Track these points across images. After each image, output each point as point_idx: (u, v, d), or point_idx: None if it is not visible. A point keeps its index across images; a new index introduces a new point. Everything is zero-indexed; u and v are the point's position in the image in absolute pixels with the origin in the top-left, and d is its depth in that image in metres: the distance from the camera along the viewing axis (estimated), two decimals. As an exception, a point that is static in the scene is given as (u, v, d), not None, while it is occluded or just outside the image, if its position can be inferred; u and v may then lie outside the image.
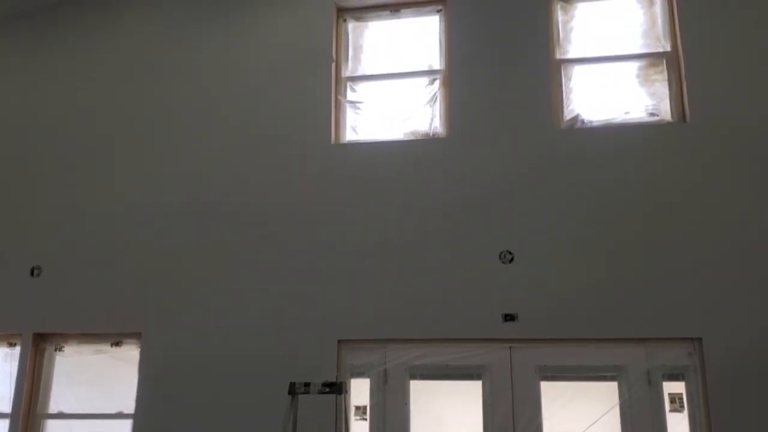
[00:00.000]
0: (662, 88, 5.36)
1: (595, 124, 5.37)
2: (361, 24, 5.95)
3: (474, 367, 5.07)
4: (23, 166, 6.07)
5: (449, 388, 5.22)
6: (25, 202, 5.98)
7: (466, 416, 5.05)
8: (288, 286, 5.37)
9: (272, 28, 5.93)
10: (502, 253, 5.16)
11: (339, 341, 5.20)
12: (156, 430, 5.27)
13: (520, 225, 5.19)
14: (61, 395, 5.68)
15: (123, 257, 5.68)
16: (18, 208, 5.98)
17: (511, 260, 5.14)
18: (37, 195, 5.97)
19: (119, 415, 5.49)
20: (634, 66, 5.46)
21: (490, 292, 5.10)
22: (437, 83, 5.68)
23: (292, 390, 4.35)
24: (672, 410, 4.77)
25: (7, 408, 5.55)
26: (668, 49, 5.40)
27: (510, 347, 5.04)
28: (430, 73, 5.73)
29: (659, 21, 5.49)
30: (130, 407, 5.41)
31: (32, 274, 5.77)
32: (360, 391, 5.19)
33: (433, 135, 5.57)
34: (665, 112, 5.31)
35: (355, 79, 5.84)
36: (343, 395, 4.34)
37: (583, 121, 5.38)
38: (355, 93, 5.83)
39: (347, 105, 5.79)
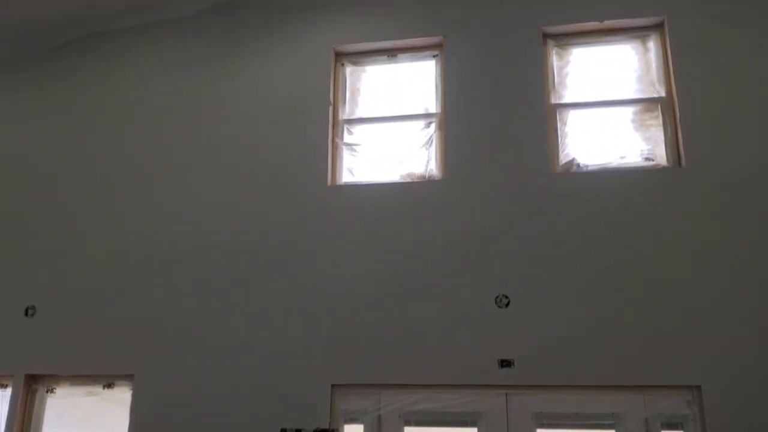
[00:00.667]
0: (657, 133, 5.38)
1: (590, 168, 5.37)
2: (359, 68, 6.03)
3: (469, 413, 4.99)
4: (18, 206, 6.11)
5: (444, 434, 5.13)
6: (20, 242, 5.99)
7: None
8: (282, 330, 5.33)
9: (271, 71, 6.01)
10: (498, 297, 5.12)
11: (333, 386, 5.14)
12: (146, 476, 5.18)
13: (516, 269, 5.16)
14: (51, 438, 5.61)
15: (116, 299, 5.66)
16: (12, 248, 5.99)
17: (507, 304, 5.10)
18: (31, 236, 5.99)
19: (109, 460, 5.41)
20: (629, 111, 5.49)
21: (485, 337, 5.04)
22: (433, 126, 5.71)
23: (283, 437, 4.28)
24: (670, 461, 4.67)
25: (-4, 451, 5.49)
26: (663, 94, 5.43)
27: (506, 393, 4.97)
28: (427, 116, 5.76)
29: (654, 66, 5.54)
30: (120, 451, 5.34)
31: (26, 314, 5.75)
32: (354, 438, 5.11)
33: (429, 177, 5.58)
34: (661, 157, 5.32)
35: (352, 121, 5.89)
36: (334, 442, 4.27)
37: (578, 165, 5.38)
38: (352, 135, 5.87)
39: (344, 147, 5.82)
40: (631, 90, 5.54)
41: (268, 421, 5.04)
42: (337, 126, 5.86)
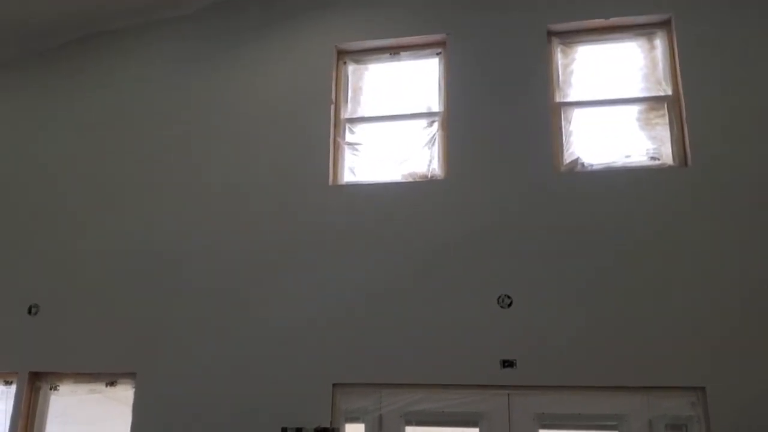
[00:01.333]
0: (663, 132, 5.32)
1: (595, 167, 5.32)
2: (361, 66, 5.99)
3: (471, 414, 4.96)
4: (21, 206, 6.13)
5: (446, 435, 5.10)
6: (23, 241, 6.01)
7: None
8: (283, 329, 5.32)
9: (272, 69, 5.99)
10: (500, 297, 5.09)
11: (334, 385, 5.13)
12: (147, 474, 5.20)
13: (519, 269, 5.12)
14: (54, 436, 5.63)
15: (119, 297, 5.67)
16: (16, 247, 6.01)
17: (510, 304, 5.06)
18: (34, 235, 6.01)
19: (112, 457, 5.42)
20: (634, 109, 5.43)
21: (487, 337, 5.01)
22: (436, 125, 5.67)
23: (283, 436, 4.27)
24: (674, 463, 4.62)
25: (0, 448, 5.52)
26: (669, 92, 5.36)
27: (508, 394, 4.93)
28: (429, 115, 5.73)
29: (660, 65, 5.47)
30: (123, 449, 5.35)
31: (30, 312, 5.77)
32: (355, 438, 5.10)
33: (431, 177, 5.55)
34: (666, 156, 5.26)
35: (354, 120, 5.86)
36: (334, 442, 4.26)
37: (583, 165, 5.33)
38: (353, 135, 5.84)
39: (345, 146, 5.80)
40: (637, 88, 5.47)
41: (270, 419, 5.03)
42: (339, 125, 5.84)
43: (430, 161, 5.60)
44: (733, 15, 5.33)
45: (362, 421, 5.09)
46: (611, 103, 5.47)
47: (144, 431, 5.31)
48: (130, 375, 5.53)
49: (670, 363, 4.74)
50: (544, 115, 5.42)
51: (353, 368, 5.14)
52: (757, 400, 4.56)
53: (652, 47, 5.55)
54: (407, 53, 5.93)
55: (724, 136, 5.10)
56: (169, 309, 5.56)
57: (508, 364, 4.93)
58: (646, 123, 5.39)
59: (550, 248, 5.12)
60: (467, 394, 4.98)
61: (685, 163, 5.15)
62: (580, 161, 5.34)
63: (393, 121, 5.80)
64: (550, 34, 5.64)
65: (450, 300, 5.14)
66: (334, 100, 5.84)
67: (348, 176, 5.74)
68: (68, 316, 5.70)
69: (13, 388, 5.67)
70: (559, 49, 5.65)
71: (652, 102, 5.41)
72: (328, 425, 4.69)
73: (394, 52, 5.94)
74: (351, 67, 5.98)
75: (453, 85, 5.64)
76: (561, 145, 5.41)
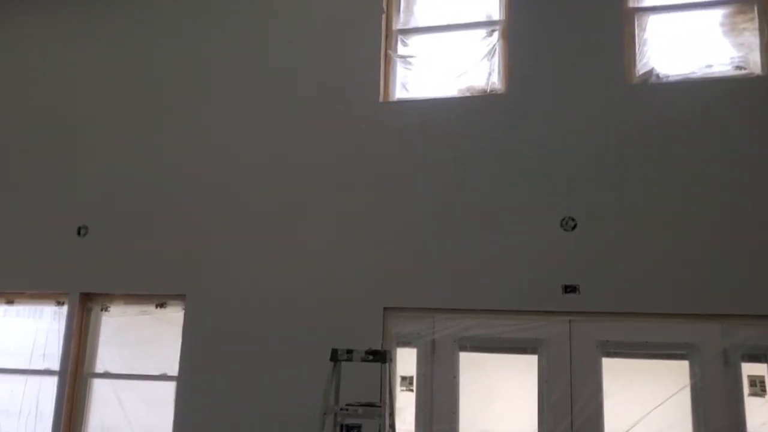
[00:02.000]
0: (751, 38, 4.80)
1: (671, 79, 4.87)
2: (415, -28, 5.57)
3: (530, 340, 4.73)
4: (71, 128, 5.99)
5: (502, 361, 4.88)
6: (73, 162, 5.90)
7: (520, 392, 4.72)
8: (333, 250, 5.13)
9: (320, -23, 5.61)
10: (564, 219, 4.77)
11: (385, 309, 4.94)
12: (199, 393, 5.17)
13: (584, 189, 4.77)
14: (107, 355, 5.64)
15: (168, 218, 5.55)
16: (66, 168, 5.91)
17: (574, 227, 4.74)
18: (84, 156, 5.89)
19: (163, 377, 5.41)
20: (718, 14, 4.91)
21: (549, 261, 4.72)
22: (496, 35, 5.26)
23: (334, 357, 4.11)
24: (752, 394, 4.31)
25: (56, 366, 5.55)
26: (759, -7, 4.81)
27: (570, 320, 4.67)
28: (489, 24, 5.31)
29: (749, -38, 4.89)
30: (174, 369, 5.32)
31: (79, 233, 5.71)
32: (407, 362, 4.94)
33: (491, 91, 5.19)
34: (754, 65, 4.75)
35: (406, 32, 5.48)
36: (387, 364, 4.07)
37: (658, 76, 4.88)
38: (406, 47, 5.47)
39: (398, 60, 5.44)
40: (721, -10, 4.93)
41: (319, 342, 4.89)
42: (391, 37, 5.46)
43: (490, 74, 5.22)
44: None
45: (414, 346, 4.93)
46: (692, 7, 4.95)
47: (194, 352, 5.26)
48: (179, 297, 5.46)
49: (747, 289, 4.38)
50: (616, 22, 4.94)
51: (405, 293, 4.94)
52: None
53: (741, -57, 4.96)
54: (465, -43, 5.46)
55: (821, 42, 4.56)
56: (219, 231, 5.41)
57: (570, 289, 4.65)
58: (731, 28, 4.86)
59: (618, 167, 4.74)
60: (526, 320, 4.73)
61: (776, 73, 4.65)
62: (655, 72, 4.88)
63: (449, 32, 5.40)
64: (624, -69, 5.10)
65: (510, 223, 4.85)
66: (385, 9, 5.45)
67: (400, 92, 5.40)
68: (117, 238, 5.62)
69: (65, 308, 5.67)
70: (633, -51, 5.11)
71: (738, 5, 4.86)
72: (379, 348, 4.52)
73: (450, -45, 5.48)
74: (404, -26, 5.57)
75: (515, -9, 5.19)
76: (634, 54, 4.94)
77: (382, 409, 3.90)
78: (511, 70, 5.10)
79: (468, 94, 5.23)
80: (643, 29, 4.98)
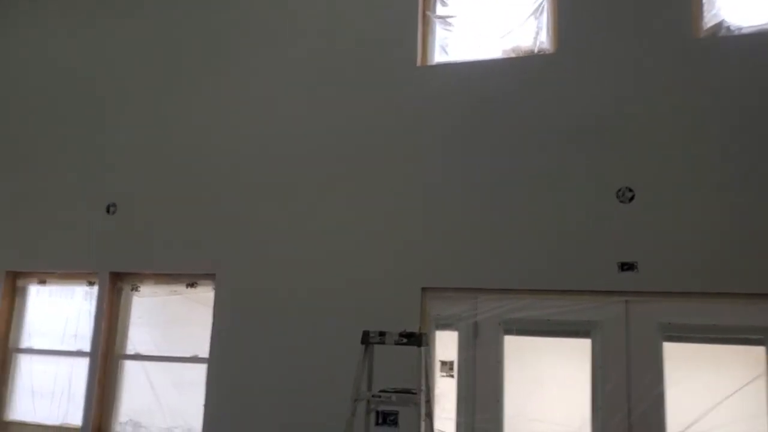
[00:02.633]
0: (836, -18, 4.22)
1: (744, 31, 4.36)
2: (455, -76, 5.14)
3: (582, 323, 4.32)
4: (99, 104, 5.80)
5: (551, 346, 4.48)
6: (101, 140, 5.72)
7: (570, 380, 4.33)
8: (368, 226, 4.80)
9: (352, -68, 5.24)
10: (620, 190, 4.33)
11: (423, 289, 4.61)
12: (229, 376, 4.95)
13: (643, 157, 4.32)
14: (137, 336, 5.48)
15: (197, 197, 5.31)
16: (92, 146, 5.73)
17: (631, 199, 4.30)
18: (111, 133, 5.69)
19: (195, 359, 5.21)
20: (798, -44, 4.34)
21: (603, 236, 4.30)
22: (544, -10, 4.82)
23: (366, 339, 3.80)
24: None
25: (87, 347, 5.41)
26: None
27: (626, 301, 4.24)
28: (536, -23, 4.86)
29: None
30: (205, 351, 5.10)
31: (108, 211, 5.54)
32: (447, 346, 4.60)
33: (539, 52, 4.77)
34: (840, 12, 4.19)
35: (446, -10, 5.08)
36: (423, 348, 3.74)
37: (728, 28, 4.39)
38: (445, 7, 5.09)
39: (436, 21, 5.05)
40: (803, -72, 4.36)
41: (353, 324, 4.57)
42: (430, -5, 5.09)
43: (537, 33, 4.80)
44: None
45: (455, 329, 4.58)
46: (768, -50, 4.39)
47: (224, 333, 5.04)
48: (210, 276, 5.24)
49: (834, 268, 3.87)
50: (680, -31, 4.44)
51: (445, 271, 4.58)
52: None
53: None
54: None
55: None
56: (249, 209, 5.15)
57: (627, 266, 4.22)
58: (814, -28, 4.30)
59: (681, 132, 4.26)
60: (578, 300, 4.32)
61: None
62: (725, 24, 4.39)
63: (492, -12, 4.98)
64: None
65: (560, 194, 4.43)
66: (422, -34, 5.07)
67: (439, 55, 5.01)
68: (146, 216, 5.42)
69: (96, 288, 5.52)
70: None
71: (823, -55, 4.29)
72: (416, 331, 4.18)
73: None
74: (443, -74, 5.15)
75: (565, -60, 4.72)
76: (700, 4, 4.43)
77: (417, 396, 3.57)
78: (560, 27, 4.65)
79: (513, 56, 4.81)
80: (711, -23, 4.46)
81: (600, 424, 4.14)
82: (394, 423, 4.39)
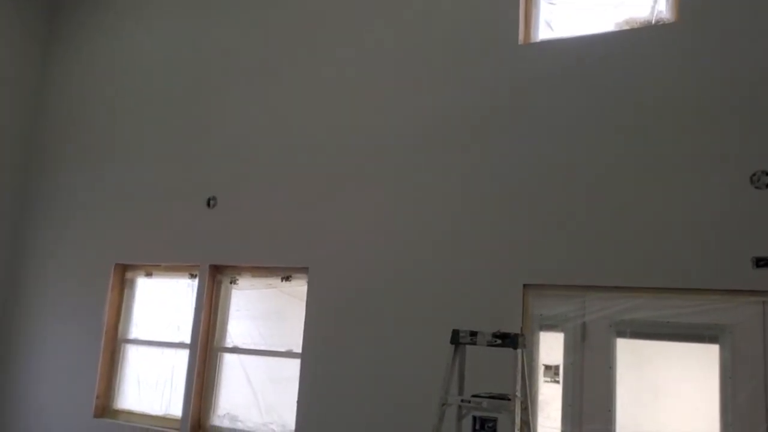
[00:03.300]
0: None
1: None
2: None
3: (709, 326, 3.79)
4: (199, 99, 5.86)
5: (671, 351, 3.95)
6: (198, 135, 5.77)
7: (695, 390, 3.79)
8: (464, 216, 4.49)
9: None
10: (754, 174, 3.78)
11: (525, 286, 4.23)
12: (320, 371, 4.80)
13: (782, 135, 3.72)
14: (236, 329, 5.47)
15: (293, 190, 5.21)
16: (192, 140, 5.79)
17: (768, 185, 3.71)
18: (211, 127, 5.73)
19: (289, 354, 5.12)
20: None
21: (735, 227, 3.76)
22: (662, -49, 4.29)
23: (455, 339, 3.49)
24: None
25: (188, 339, 5.48)
26: None
27: (763, 302, 3.68)
28: (653, -62, 4.35)
29: None
30: (299, 346, 5.00)
31: (208, 204, 5.57)
32: (552, 348, 4.19)
33: (657, 22, 4.25)
34: None
35: (551, -40, 4.67)
36: (520, 350, 3.38)
37: None
38: (551, -22, 4.67)
39: (541, -6, 4.66)
40: None
41: (447, 321, 4.29)
42: (532, -31, 4.70)
43: (655, 1, 4.29)
44: None
45: (561, 330, 4.17)
46: None
47: (316, 328, 4.90)
48: (303, 270, 5.13)
49: None
50: None
51: (550, 266, 4.19)
52: None
53: None
54: None
55: None
56: (343, 201, 4.98)
57: (763, 262, 3.63)
58: None
59: (834, 104, 3.62)
60: (704, 300, 3.80)
61: None
62: None
63: (602, -46, 4.52)
64: None
65: (683, 179, 3.92)
66: (523, -65, 4.69)
67: (544, 32, 4.62)
68: (244, 209, 5.40)
69: (196, 281, 5.57)
70: None
71: None
72: (511, 331, 3.82)
73: None
74: None
75: None
76: None
77: (512, 402, 3.22)
78: (682, -8, 4.13)
79: (627, 28, 4.33)
80: None
81: (731, 442, 3.60)
82: (493, 431, 4.03)
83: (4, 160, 6.51)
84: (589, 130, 4.23)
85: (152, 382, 5.67)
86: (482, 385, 3.75)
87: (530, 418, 3.48)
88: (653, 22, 4.28)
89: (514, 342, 3.37)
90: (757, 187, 3.74)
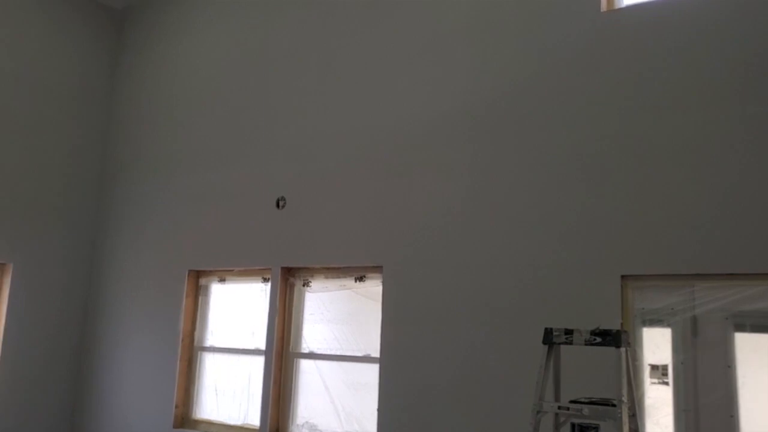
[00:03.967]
0: None
1: None
2: None
3: None
4: (262, 100, 5.70)
5: (804, 347, 3.44)
6: (267, 135, 5.60)
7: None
8: (551, 201, 4.09)
9: None
10: None
11: (623, 277, 3.78)
12: (401, 377, 4.51)
13: None
14: (310, 334, 5.25)
15: (362, 186, 4.96)
16: (261, 141, 5.63)
17: None
18: (277, 128, 5.55)
19: (367, 359, 4.85)
20: None
21: None
22: None
23: (549, 338, 3.11)
24: None
25: (264, 345, 5.30)
26: None
27: None
28: None
29: None
30: (377, 350, 4.72)
31: (278, 205, 5.39)
32: (658, 346, 3.73)
33: (763, -29, 3.71)
34: None
35: None
36: (623, 349, 2.96)
37: None
38: (636, -66, 4.20)
39: (625, -47, 4.20)
40: None
41: (537, 318, 3.91)
42: (614, -74, 4.25)
43: (759, -53, 3.74)
44: None
45: (667, 324, 3.70)
46: None
47: (394, 331, 4.61)
48: (377, 269, 4.85)
49: None
50: None
51: (651, 254, 3.74)
52: None
53: None
54: None
55: None
56: (415, 196, 4.68)
57: None
58: None
59: None
60: (840, 286, 3.25)
61: None
62: None
63: None
64: None
65: (803, 147, 3.39)
66: None
67: (629, -4, 4.18)
68: (314, 208, 5.18)
69: (269, 285, 5.39)
70: None
71: None
72: (611, 327, 3.40)
73: None
74: None
75: None
76: None
77: (617, 408, 2.81)
78: (794, -67, 3.59)
79: (727, -16, 3.82)
80: None
81: None
82: (594, 439, 3.62)
83: (81, 172, 6.57)
84: (688, 102, 3.77)
85: (229, 390, 5.53)
86: (578, 389, 3.37)
87: (639, 425, 3.06)
88: (758, -28, 3.75)
89: (617, 340, 2.96)
90: None
